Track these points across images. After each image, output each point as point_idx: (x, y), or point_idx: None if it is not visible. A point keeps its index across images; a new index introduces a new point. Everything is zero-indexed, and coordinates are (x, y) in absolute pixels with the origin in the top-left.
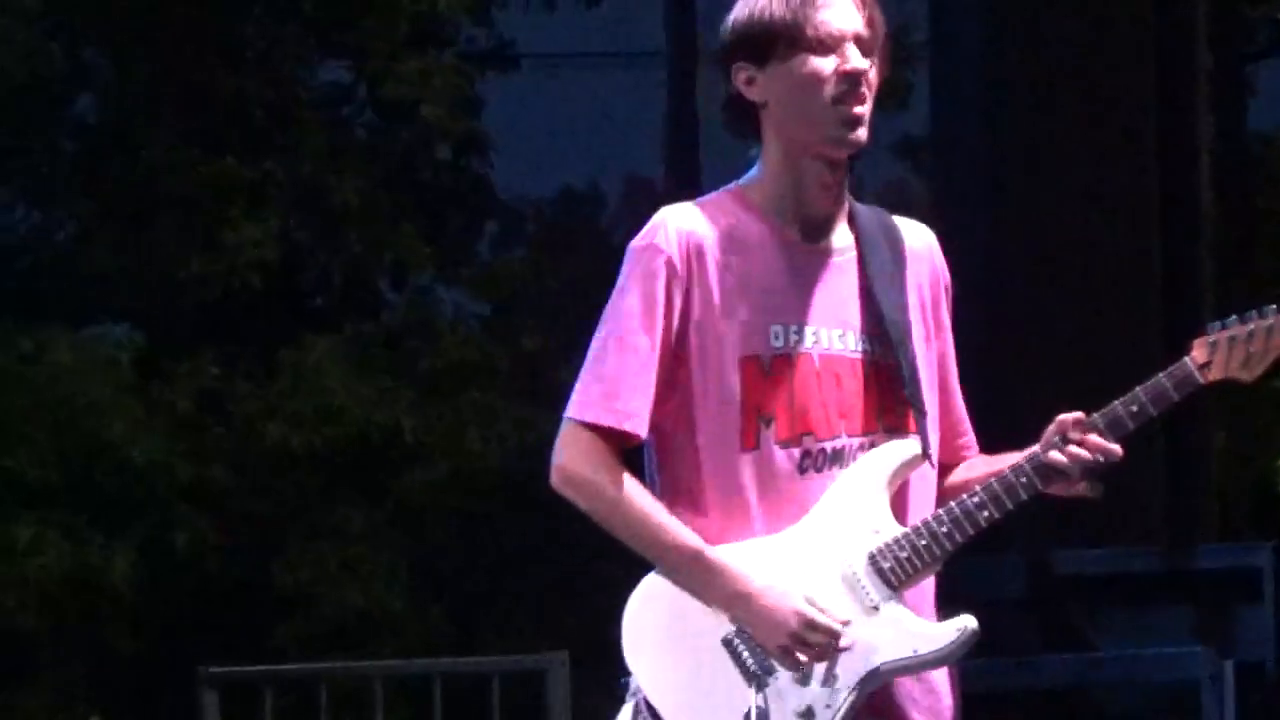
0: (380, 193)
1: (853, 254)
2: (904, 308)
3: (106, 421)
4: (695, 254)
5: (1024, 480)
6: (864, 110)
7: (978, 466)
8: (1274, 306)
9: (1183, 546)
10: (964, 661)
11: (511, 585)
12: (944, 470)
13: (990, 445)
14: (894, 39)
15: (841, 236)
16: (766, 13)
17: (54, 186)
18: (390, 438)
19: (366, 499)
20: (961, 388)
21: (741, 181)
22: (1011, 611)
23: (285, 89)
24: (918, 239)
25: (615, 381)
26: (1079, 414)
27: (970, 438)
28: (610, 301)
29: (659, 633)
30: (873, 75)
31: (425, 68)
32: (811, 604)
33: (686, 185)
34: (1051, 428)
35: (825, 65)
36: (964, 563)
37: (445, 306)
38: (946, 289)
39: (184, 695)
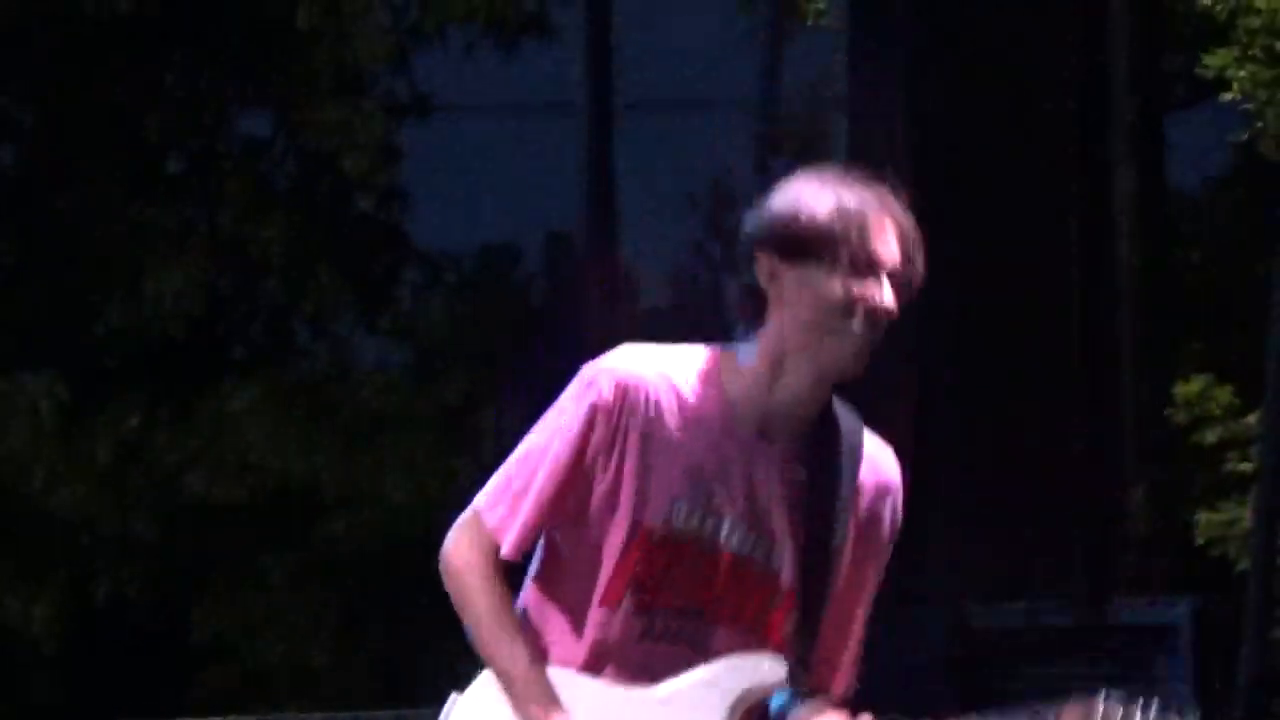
0: (301, 241)
1: (803, 466)
2: (836, 533)
3: (26, 471)
4: (632, 407)
5: None
6: (871, 345)
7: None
8: (1157, 705)
9: (1100, 601)
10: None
11: (435, 637)
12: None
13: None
14: (809, 91)
15: (800, 445)
16: (814, 217)
17: None
18: (311, 487)
19: (288, 549)
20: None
21: (724, 351)
22: (930, 670)
23: (206, 137)
24: (879, 470)
25: (517, 504)
26: None
27: (848, 680)
28: (547, 413)
29: None
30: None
31: (345, 117)
32: None
33: (604, 239)
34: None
35: (855, 292)
36: (882, 620)
37: (366, 355)
38: (893, 530)
39: None
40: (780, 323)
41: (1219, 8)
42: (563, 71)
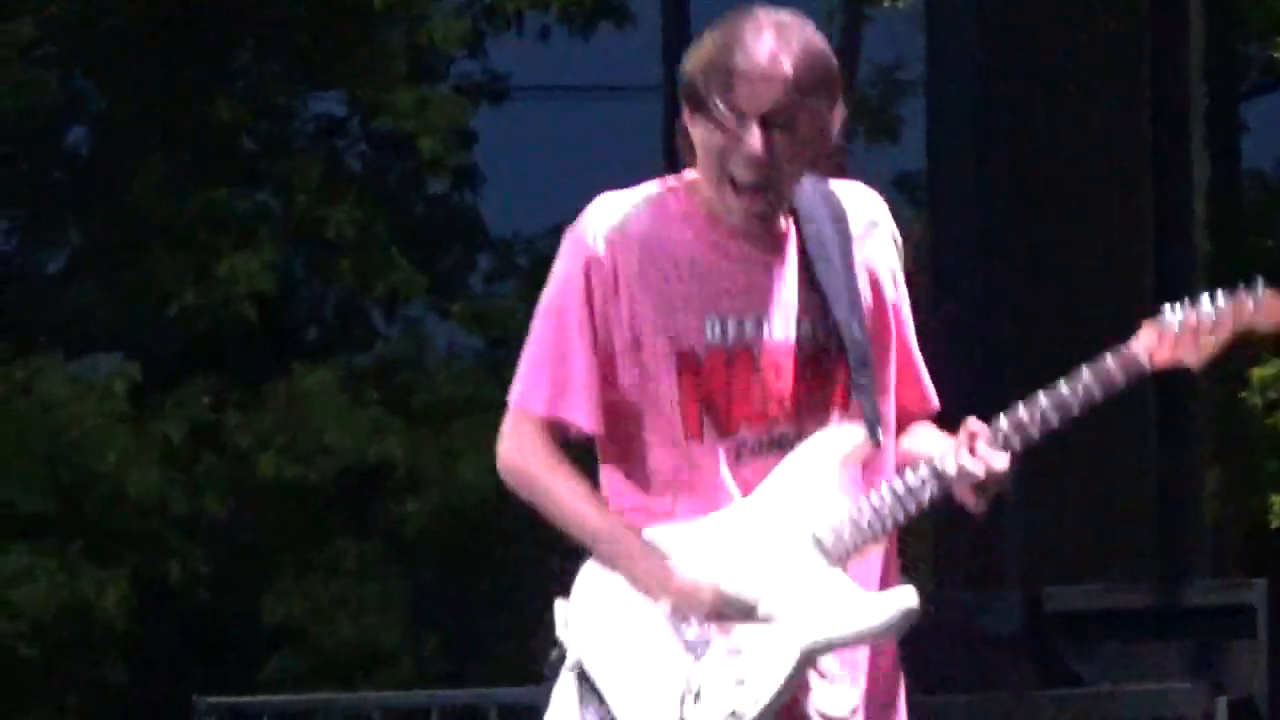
0: (374, 224)
1: (792, 238)
2: (850, 285)
3: (99, 452)
4: (621, 250)
5: (919, 481)
6: (761, 195)
7: (920, 439)
8: (1223, 290)
9: (1175, 582)
10: (957, 697)
11: (504, 617)
12: (904, 428)
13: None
14: (886, 74)
15: (779, 222)
16: (691, 69)
17: (47, 217)
18: (382, 469)
19: (359, 531)
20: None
21: (688, 172)
22: (1003, 648)
23: (278, 120)
24: (863, 208)
25: (555, 371)
26: (978, 424)
27: (927, 397)
28: (547, 287)
29: (599, 608)
30: (789, 146)
31: (421, 100)
32: (726, 580)
33: None
34: (961, 434)
35: (726, 140)
36: (957, 599)
37: (438, 340)
38: (898, 250)
39: None
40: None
41: None
42: (639, 54)
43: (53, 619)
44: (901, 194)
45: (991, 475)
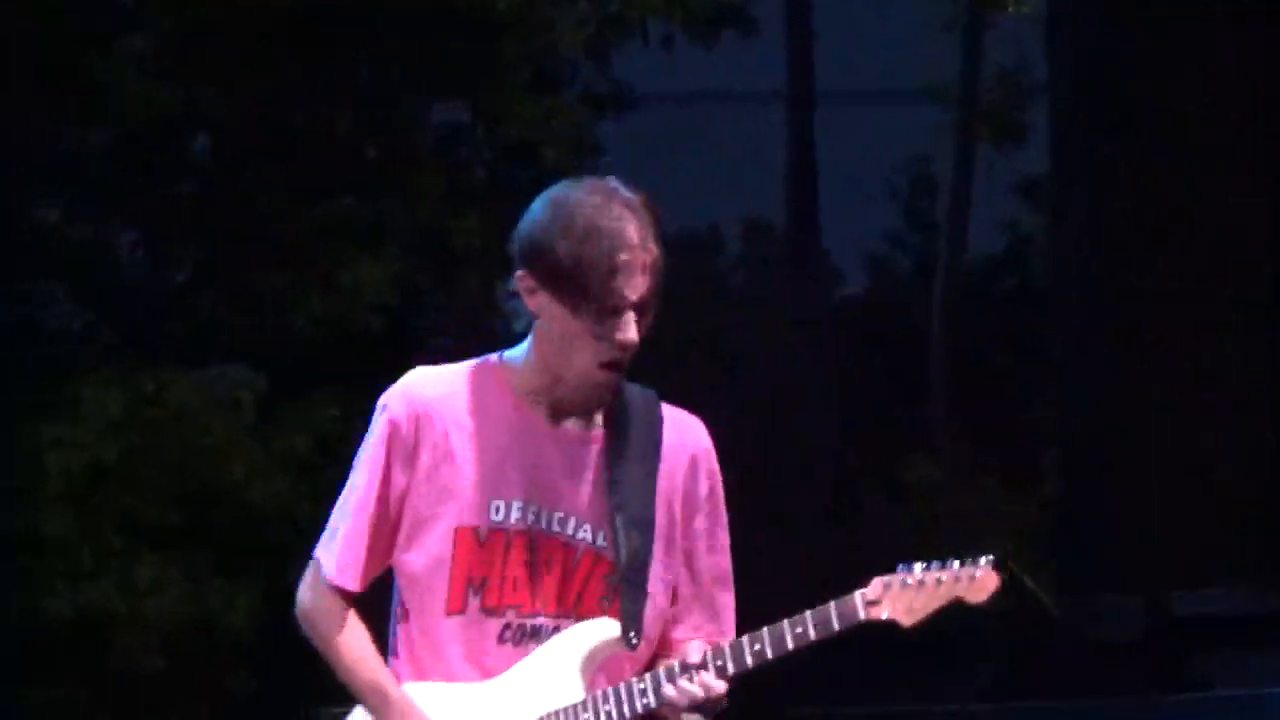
0: (498, 234)
1: (599, 441)
2: (643, 501)
3: (226, 464)
4: (424, 422)
5: (641, 689)
6: (623, 363)
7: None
8: (953, 562)
9: None
10: (1078, 704)
11: None
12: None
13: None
14: (1009, 79)
15: (592, 421)
16: (571, 254)
17: (171, 227)
18: None
19: None
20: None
21: (507, 354)
22: (1123, 654)
23: (400, 129)
24: (683, 439)
25: (344, 542)
26: (705, 647)
27: (715, 631)
28: (359, 450)
29: None
30: (648, 318)
31: (546, 110)
32: None
33: (806, 228)
34: (676, 659)
35: (601, 331)
36: (1078, 604)
37: None
38: (709, 482)
39: None
40: (541, 339)
41: None
42: (763, 62)
43: (181, 631)
44: (1024, 199)
45: (711, 699)
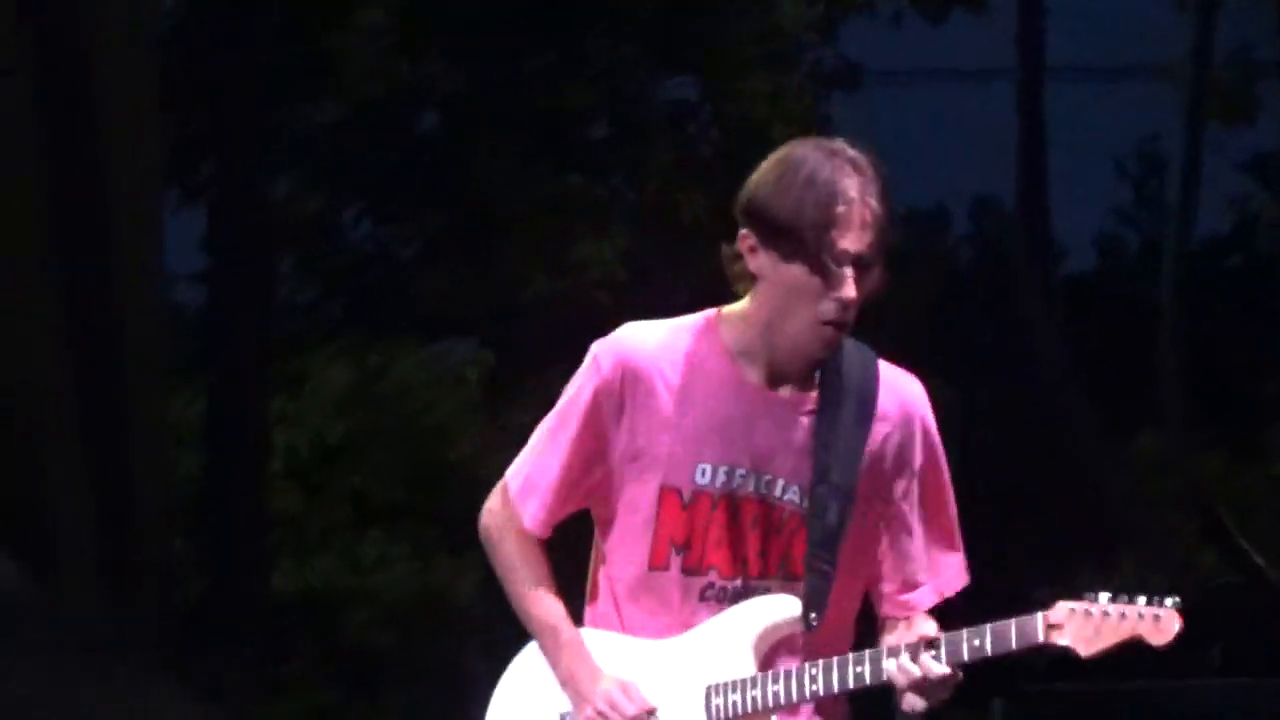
0: (726, 211)
1: (812, 405)
2: (848, 467)
3: (453, 440)
4: (632, 382)
5: (858, 670)
6: (844, 333)
7: (891, 632)
8: (1139, 598)
9: None
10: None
11: None
12: (889, 623)
13: None
14: (1241, 55)
15: (807, 385)
16: (789, 208)
17: (400, 202)
18: None
19: None
20: None
21: (726, 310)
22: None
23: (629, 105)
24: (897, 396)
25: (535, 478)
26: (928, 634)
27: (917, 598)
28: (563, 393)
29: (518, 692)
30: (864, 292)
31: (774, 87)
32: (623, 692)
33: (1036, 204)
34: (893, 638)
35: (821, 286)
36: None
37: None
38: (926, 450)
39: None
40: (762, 298)
41: None
42: (992, 39)
43: (408, 606)
44: (1255, 177)
45: (930, 681)
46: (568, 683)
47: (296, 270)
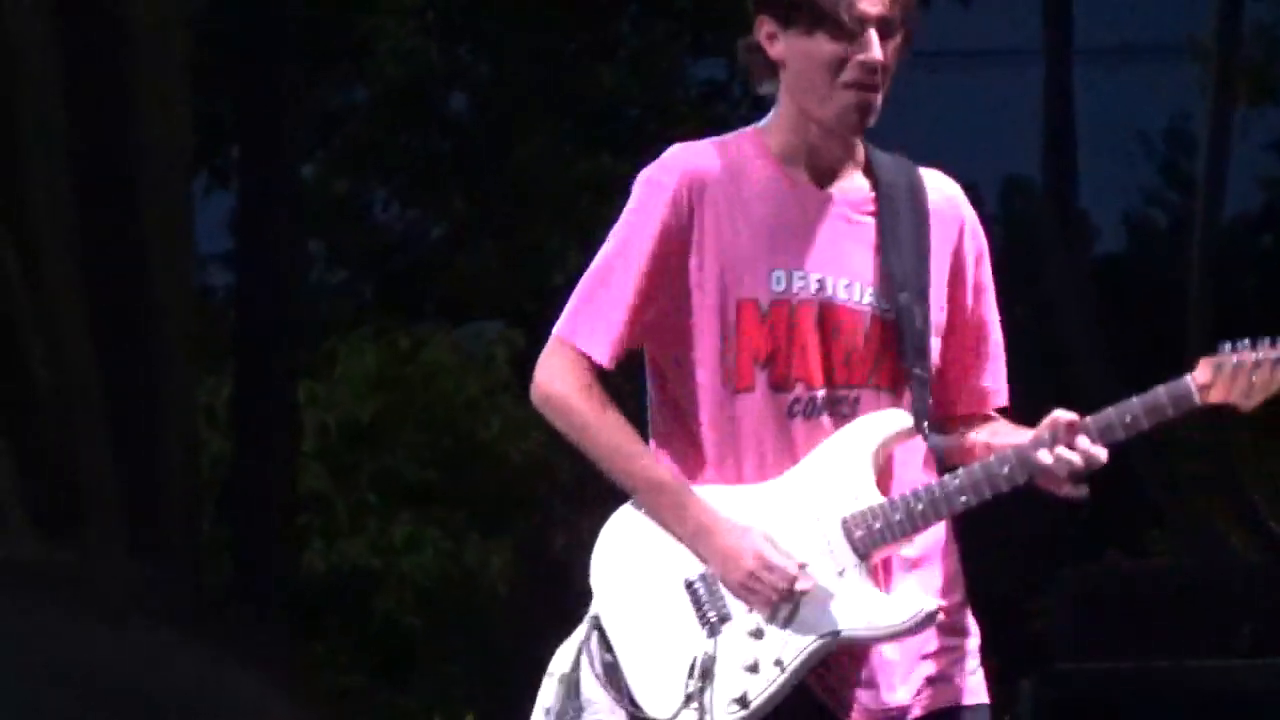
0: None
1: (870, 205)
2: (918, 270)
3: (483, 421)
4: (698, 193)
5: (1006, 472)
6: (876, 97)
7: (992, 433)
8: None
9: None
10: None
11: None
12: (965, 421)
13: None
14: (1268, 33)
15: (857, 183)
16: None
17: (430, 184)
18: None
19: None
20: None
21: (761, 124)
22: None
23: (661, 86)
24: (943, 194)
25: (600, 310)
26: (1073, 415)
27: (996, 395)
28: (615, 226)
29: (625, 561)
30: (890, 56)
31: None
32: (772, 545)
33: (1065, 186)
34: (1044, 425)
35: (844, 50)
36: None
37: None
38: (978, 244)
39: None
40: (788, 86)
41: None
42: (1020, 18)
43: (438, 587)
44: None
45: (1092, 465)
46: (699, 538)
47: (327, 252)
